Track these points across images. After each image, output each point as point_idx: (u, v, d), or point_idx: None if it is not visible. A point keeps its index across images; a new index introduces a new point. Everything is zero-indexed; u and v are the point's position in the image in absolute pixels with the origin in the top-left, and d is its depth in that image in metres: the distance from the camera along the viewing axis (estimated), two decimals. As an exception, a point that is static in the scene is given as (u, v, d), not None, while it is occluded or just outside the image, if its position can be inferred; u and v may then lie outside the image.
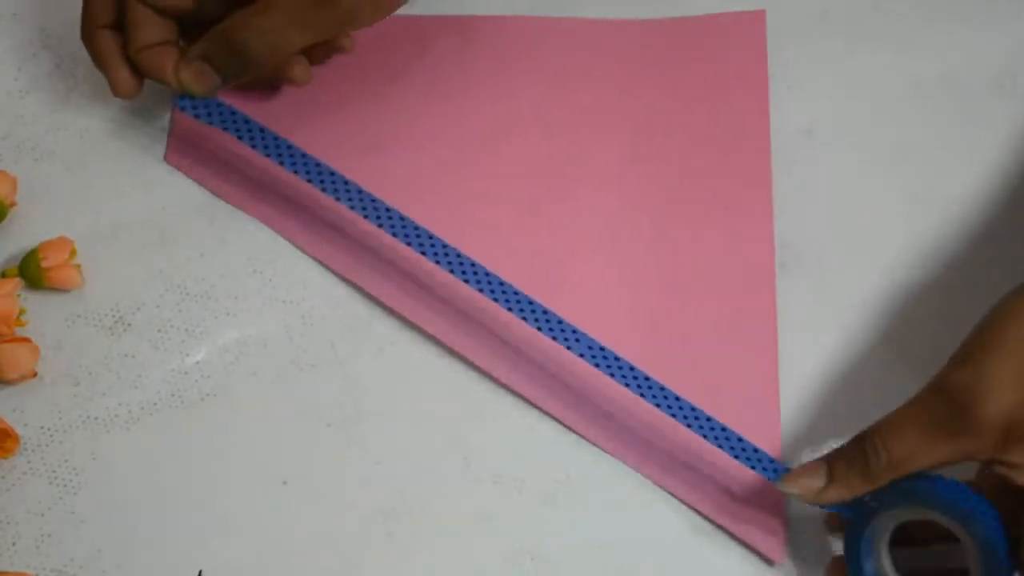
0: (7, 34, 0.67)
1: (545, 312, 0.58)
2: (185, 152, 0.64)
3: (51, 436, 0.58)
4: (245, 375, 0.60)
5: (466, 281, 0.58)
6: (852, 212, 0.64)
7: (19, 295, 0.59)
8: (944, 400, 0.51)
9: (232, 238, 0.62)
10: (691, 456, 0.59)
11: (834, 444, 0.55)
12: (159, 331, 0.60)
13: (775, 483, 0.55)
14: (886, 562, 0.54)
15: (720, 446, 0.56)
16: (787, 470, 0.55)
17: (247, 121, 0.61)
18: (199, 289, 0.61)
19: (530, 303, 0.58)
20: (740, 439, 0.56)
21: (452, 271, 0.58)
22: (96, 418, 0.58)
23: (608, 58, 0.67)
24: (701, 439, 0.56)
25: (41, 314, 0.60)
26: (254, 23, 0.58)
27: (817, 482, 0.54)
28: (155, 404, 0.59)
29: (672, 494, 0.58)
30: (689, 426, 0.56)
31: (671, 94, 0.66)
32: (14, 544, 0.55)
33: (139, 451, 0.58)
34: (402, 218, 0.59)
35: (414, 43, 0.67)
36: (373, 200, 0.60)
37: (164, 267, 0.62)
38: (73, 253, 0.60)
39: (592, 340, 0.58)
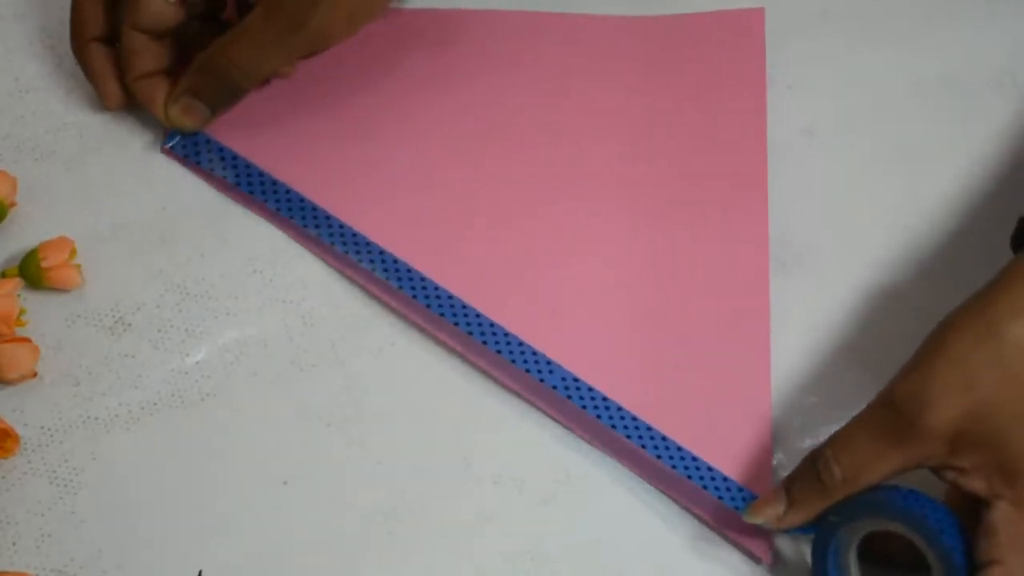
0: (7, 34, 0.67)
1: (521, 344, 0.59)
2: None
3: (51, 436, 0.58)
4: (245, 375, 0.60)
5: (456, 323, 0.59)
6: (852, 211, 0.64)
7: (19, 295, 0.59)
8: (892, 411, 0.52)
9: (232, 238, 0.62)
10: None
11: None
12: (159, 331, 0.60)
13: (741, 515, 0.55)
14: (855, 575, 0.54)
15: (690, 476, 0.56)
16: (754, 497, 0.56)
17: (234, 158, 0.62)
18: (199, 289, 0.61)
19: (492, 327, 0.59)
20: (710, 468, 0.57)
21: (434, 309, 0.59)
22: (96, 418, 0.58)
23: (604, 55, 0.67)
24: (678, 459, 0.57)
25: (41, 314, 0.60)
26: (230, 52, 0.60)
27: (778, 508, 0.54)
28: (155, 404, 0.59)
29: (669, 496, 0.58)
30: (659, 457, 0.57)
31: (667, 92, 0.66)
32: (14, 544, 0.55)
33: (139, 451, 0.58)
34: (396, 260, 0.60)
35: (406, 38, 0.66)
36: (354, 235, 0.61)
37: (164, 267, 0.62)
38: (73, 253, 0.60)
39: (565, 371, 0.58)
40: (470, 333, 0.59)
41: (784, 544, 0.57)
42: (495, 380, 0.60)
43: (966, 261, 0.62)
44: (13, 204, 0.62)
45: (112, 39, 0.63)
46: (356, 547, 0.56)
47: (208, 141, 0.63)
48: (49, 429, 0.58)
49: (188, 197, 0.63)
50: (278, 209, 0.62)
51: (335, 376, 0.60)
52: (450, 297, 0.60)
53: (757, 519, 0.55)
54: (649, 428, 0.58)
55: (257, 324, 0.61)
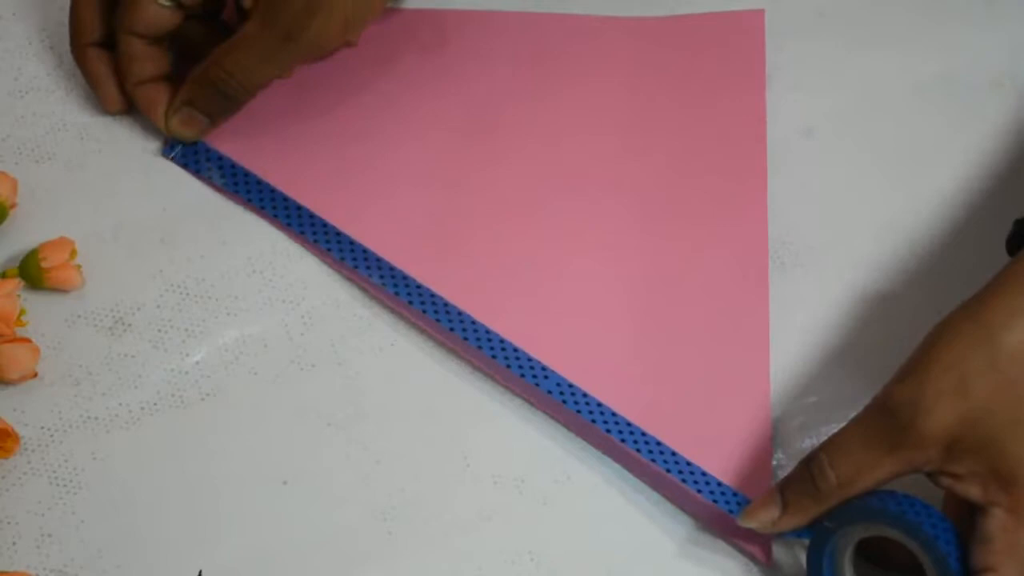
0: (7, 34, 0.67)
1: (516, 350, 0.59)
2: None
3: (51, 436, 0.58)
4: (245, 375, 0.60)
5: (451, 329, 0.59)
6: (851, 211, 0.64)
7: (19, 295, 0.59)
8: (887, 416, 0.51)
9: (232, 238, 0.62)
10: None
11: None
12: (159, 331, 0.60)
13: (736, 519, 0.55)
14: None
15: (684, 481, 0.56)
16: (748, 502, 0.56)
17: (233, 167, 0.62)
18: (199, 289, 0.61)
19: (487, 332, 0.59)
20: (704, 473, 0.57)
21: (430, 315, 0.59)
22: (96, 418, 0.58)
23: (604, 56, 0.67)
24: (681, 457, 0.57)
25: (41, 314, 0.60)
26: (226, 63, 0.60)
27: (773, 512, 0.54)
28: (155, 404, 0.59)
29: (667, 498, 0.58)
30: (654, 461, 0.57)
31: (667, 93, 0.66)
32: (14, 544, 0.55)
33: (139, 451, 0.58)
34: (393, 268, 0.60)
35: (403, 40, 0.66)
36: (352, 243, 0.61)
37: (164, 267, 0.62)
38: (73, 253, 0.60)
39: (560, 377, 0.58)
40: (466, 339, 0.59)
41: (780, 548, 0.57)
42: (495, 380, 0.60)
43: (965, 261, 0.62)
44: (14, 205, 0.62)
45: (111, 43, 0.63)
46: (356, 547, 0.57)
47: (208, 150, 0.63)
48: (49, 429, 0.58)
49: (188, 198, 0.63)
50: (276, 216, 0.62)
51: (335, 376, 0.60)
52: (446, 304, 0.60)
53: (751, 523, 0.55)
54: (644, 433, 0.58)
55: (257, 324, 0.61)
